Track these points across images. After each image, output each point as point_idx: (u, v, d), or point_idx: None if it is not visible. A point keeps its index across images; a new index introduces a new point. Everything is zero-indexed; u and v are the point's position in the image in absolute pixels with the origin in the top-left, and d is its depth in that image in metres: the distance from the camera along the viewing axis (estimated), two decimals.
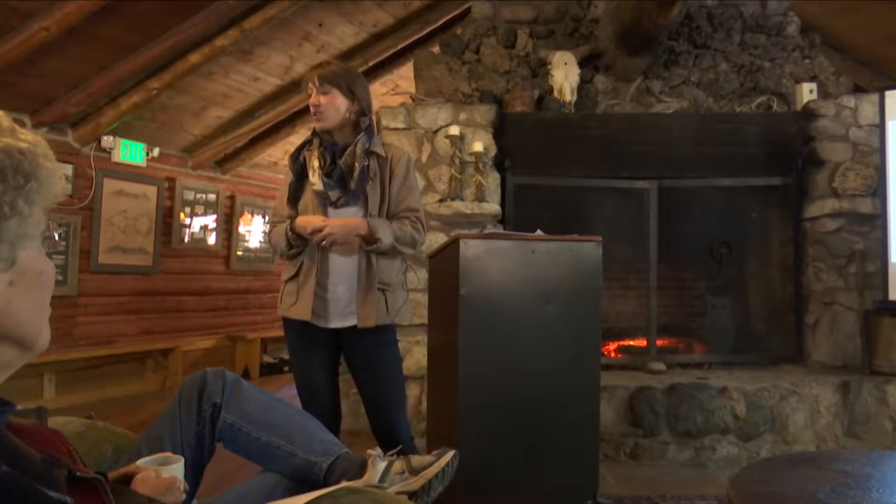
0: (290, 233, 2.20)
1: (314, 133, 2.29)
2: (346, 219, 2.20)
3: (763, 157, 4.21)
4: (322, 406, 2.25)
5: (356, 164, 2.21)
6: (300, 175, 2.27)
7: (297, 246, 2.22)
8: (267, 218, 7.26)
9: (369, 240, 2.19)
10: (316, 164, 2.21)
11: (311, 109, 2.22)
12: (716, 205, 4.39)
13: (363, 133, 2.25)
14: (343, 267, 2.23)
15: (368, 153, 2.24)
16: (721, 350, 4.45)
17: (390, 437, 2.23)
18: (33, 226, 0.79)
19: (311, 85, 2.21)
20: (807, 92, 4.33)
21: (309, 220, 2.18)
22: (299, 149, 2.31)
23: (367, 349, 2.27)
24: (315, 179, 2.20)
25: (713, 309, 4.72)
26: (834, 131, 4.15)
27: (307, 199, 2.25)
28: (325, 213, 2.23)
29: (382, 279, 2.26)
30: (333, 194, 2.20)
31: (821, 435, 3.58)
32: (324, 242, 2.15)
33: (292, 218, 2.24)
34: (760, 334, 4.50)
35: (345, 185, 2.20)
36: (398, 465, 1.54)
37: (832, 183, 4.07)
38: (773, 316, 4.41)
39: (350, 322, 2.24)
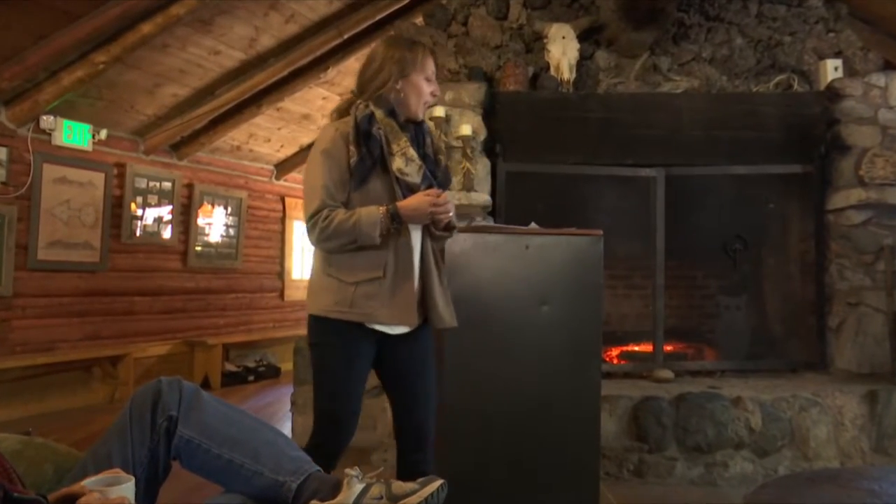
0: (390, 218, 2.08)
1: (390, 112, 2.20)
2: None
3: (782, 143, 4.24)
4: (355, 422, 2.19)
5: (440, 157, 2.28)
6: (375, 155, 2.15)
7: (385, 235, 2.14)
8: (229, 209, 7.22)
9: (449, 226, 2.23)
10: (412, 151, 2.17)
11: (432, 99, 2.27)
12: (729, 195, 4.42)
13: (422, 121, 2.30)
14: (413, 260, 2.19)
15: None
16: (735, 356, 4.47)
17: (428, 444, 2.23)
18: None
19: (433, 72, 2.25)
20: (831, 69, 4.35)
21: (427, 197, 2.12)
22: (368, 123, 2.16)
23: (423, 349, 2.25)
24: (411, 169, 2.15)
25: (726, 310, 4.75)
26: (861, 113, 4.19)
27: (376, 184, 2.16)
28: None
29: None
30: (424, 186, 2.17)
31: (845, 450, 3.62)
32: (451, 220, 2.15)
33: (345, 204, 2.15)
34: (778, 338, 4.54)
35: (434, 177, 2.21)
36: (376, 489, 1.53)
37: (858, 171, 4.11)
38: (793, 318, 4.45)
39: (419, 322, 2.20)
